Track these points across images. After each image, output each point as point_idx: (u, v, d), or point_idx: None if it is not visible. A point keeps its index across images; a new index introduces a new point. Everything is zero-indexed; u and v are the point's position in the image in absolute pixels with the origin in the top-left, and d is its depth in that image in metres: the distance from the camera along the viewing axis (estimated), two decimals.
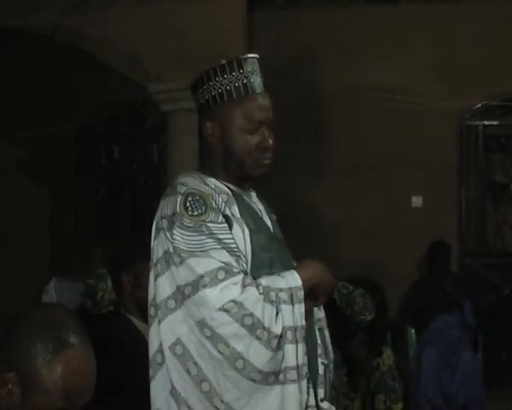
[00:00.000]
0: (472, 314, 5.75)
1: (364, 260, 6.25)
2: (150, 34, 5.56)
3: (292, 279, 2.04)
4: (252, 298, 1.97)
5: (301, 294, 2.03)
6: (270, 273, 2.09)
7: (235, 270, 2.00)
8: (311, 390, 2.10)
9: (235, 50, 5.79)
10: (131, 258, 2.80)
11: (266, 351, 1.96)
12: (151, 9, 5.62)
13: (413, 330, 5.77)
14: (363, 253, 6.30)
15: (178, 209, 2.04)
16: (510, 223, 6.73)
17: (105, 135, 7.66)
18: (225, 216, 2.08)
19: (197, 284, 1.97)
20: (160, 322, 2.04)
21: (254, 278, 2.06)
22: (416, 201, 6.51)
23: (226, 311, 1.94)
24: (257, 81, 2.15)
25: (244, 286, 1.98)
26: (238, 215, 2.10)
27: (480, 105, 6.47)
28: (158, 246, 2.07)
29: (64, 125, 7.05)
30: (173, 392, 2.03)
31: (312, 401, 2.10)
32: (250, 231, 2.11)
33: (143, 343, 2.72)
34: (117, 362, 2.54)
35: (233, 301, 1.95)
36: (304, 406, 2.05)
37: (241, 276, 2.00)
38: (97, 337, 1.69)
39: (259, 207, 2.25)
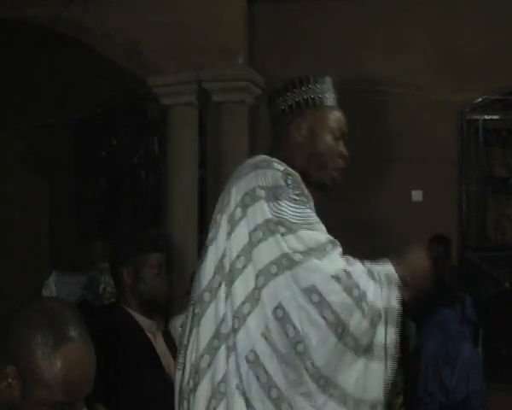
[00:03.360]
0: (472, 308, 5.75)
1: (364, 254, 6.24)
2: (150, 27, 5.56)
3: (387, 266, 2.19)
4: (358, 270, 2.12)
5: (396, 278, 2.16)
6: None
7: (337, 243, 2.15)
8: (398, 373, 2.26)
9: (235, 44, 5.80)
10: (131, 251, 2.79)
11: (366, 324, 2.07)
12: (151, 2, 5.62)
13: (413, 324, 5.77)
14: (363, 247, 6.28)
15: (282, 183, 2.14)
16: (511, 217, 6.72)
17: (105, 128, 7.65)
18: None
19: (309, 253, 2.07)
20: (262, 287, 2.08)
21: None
22: (417, 195, 6.50)
23: (338, 279, 2.06)
24: (335, 98, 2.43)
25: (348, 260, 2.13)
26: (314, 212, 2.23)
27: (480, 99, 6.46)
28: (256, 213, 2.12)
29: (64, 118, 7.05)
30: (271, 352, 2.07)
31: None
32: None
33: (143, 337, 2.73)
34: (116, 356, 2.54)
35: (344, 270, 2.08)
36: (386, 384, 2.14)
37: (341, 249, 2.15)
38: (97, 331, 1.69)
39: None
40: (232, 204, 2.15)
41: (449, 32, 6.43)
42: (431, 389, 5.55)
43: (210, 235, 2.20)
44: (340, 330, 2.05)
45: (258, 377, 2.06)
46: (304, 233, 2.10)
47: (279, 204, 2.11)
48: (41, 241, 7.52)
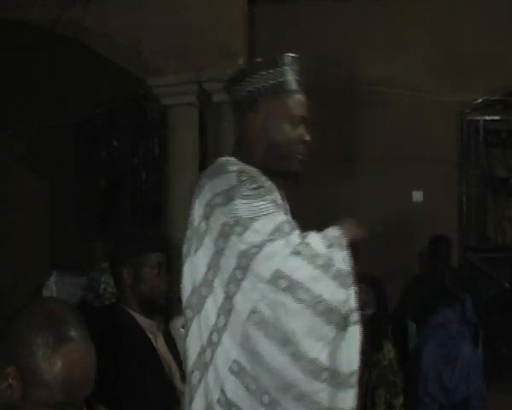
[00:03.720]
0: (472, 309, 5.75)
1: (365, 254, 6.24)
2: (150, 28, 5.56)
3: (332, 230, 2.14)
4: (314, 239, 2.06)
5: (344, 241, 2.11)
6: None
7: (295, 225, 2.09)
8: None
9: (235, 44, 5.79)
10: (131, 252, 2.79)
11: (343, 290, 2.03)
12: (151, 3, 5.61)
13: (413, 325, 5.77)
14: (364, 247, 6.29)
15: (235, 183, 2.09)
16: (511, 218, 6.72)
17: (105, 128, 7.65)
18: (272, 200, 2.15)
19: (264, 242, 2.02)
20: (234, 295, 2.04)
21: None
22: (417, 195, 6.50)
23: (297, 253, 2.01)
24: (295, 79, 2.25)
25: (303, 235, 2.07)
26: (280, 201, 2.18)
27: (480, 100, 6.45)
28: (216, 222, 2.08)
29: (64, 119, 7.05)
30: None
31: None
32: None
33: (144, 338, 2.73)
34: (117, 356, 2.54)
35: (301, 243, 2.03)
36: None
37: (298, 230, 2.09)
38: (97, 331, 1.69)
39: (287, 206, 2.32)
40: (196, 219, 2.13)
41: (449, 33, 6.43)
42: (431, 390, 5.55)
43: (184, 251, 2.18)
44: (322, 307, 1.98)
45: (246, 387, 2.01)
46: (259, 224, 2.04)
47: (233, 204, 2.06)
48: (41, 241, 7.52)
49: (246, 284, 2.02)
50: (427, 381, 5.56)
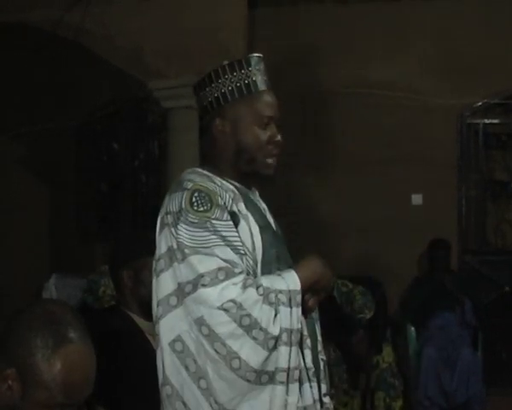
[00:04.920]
0: (472, 312, 5.75)
1: (364, 257, 6.25)
2: (151, 30, 5.56)
3: (291, 281, 2.04)
4: (251, 299, 1.96)
5: (299, 298, 2.03)
6: (279, 268, 2.11)
7: (237, 270, 2.00)
8: (311, 390, 2.10)
9: (236, 47, 5.79)
10: (132, 254, 2.79)
11: (262, 351, 1.96)
12: (152, 5, 5.61)
13: (413, 328, 5.77)
14: (363, 251, 6.30)
15: (184, 205, 2.04)
16: (510, 221, 6.72)
17: (106, 131, 7.65)
18: (232, 213, 2.08)
19: (197, 283, 1.96)
20: (160, 318, 2.04)
21: (264, 273, 2.07)
22: (416, 198, 6.50)
23: (225, 310, 1.94)
24: (263, 79, 2.19)
25: (245, 287, 1.97)
26: (245, 212, 2.11)
27: (480, 103, 6.46)
28: (161, 242, 2.07)
29: (65, 121, 7.05)
30: (168, 389, 2.05)
31: (310, 401, 2.09)
32: (259, 227, 2.13)
33: (143, 340, 2.73)
34: (117, 358, 2.54)
35: (232, 300, 1.95)
36: (295, 407, 2.04)
37: (242, 276, 1.99)
38: (97, 333, 1.69)
39: (263, 205, 2.28)
40: (157, 231, 2.11)
41: (449, 35, 6.44)
42: (431, 393, 5.55)
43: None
44: (237, 363, 1.94)
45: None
46: (195, 259, 1.98)
47: (178, 228, 2.02)
48: (41, 243, 7.52)
49: (179, 311, 2.00)
50: (426, 384, 5.55)
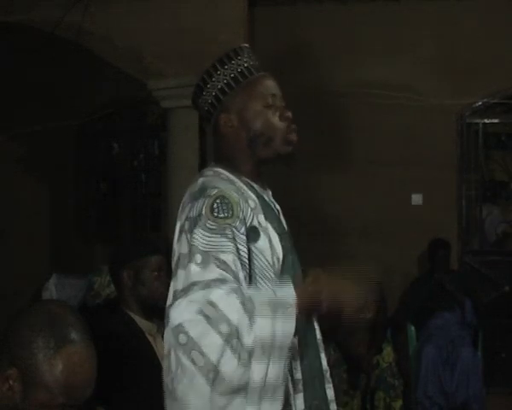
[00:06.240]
0: (472, 312, 5.75)
1: (364, 257, 6.25)
2: (151, 30, 5.56)
3: (288, 294, 1.93)
4: (234, 305, 1.86)
5: (292, 311, 1.91)
6: (294, 275, 2.06)
7: (235, 285, 1.91)
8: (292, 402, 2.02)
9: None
10: (132, 254, 2.80)
11: (236, 362, 1.84)
12: (152, 5, 5.61)
13: (413, 328, 5.77)
14: (363, 250, 6.30)
15: (204, 211, 1.97)
16: (510, 221, 6.73)
17: (105, 131, 7.66)
18: (252, 228, 2.02)
19: (189, 289, 1.90)
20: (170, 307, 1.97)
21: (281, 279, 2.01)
22: (416, 198, 6.51)
23: (206, 316, 1.85)
24: (255, 64, 2.18)
25: (231, 295, 1.88)
26: (265, 224, 2.06)
27: (480, 103, 6.46)
28: (178, 249, 2.01)
29: (64, 122, 7.06)
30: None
31: None
32: (278, 235, 2.08)
33: (144, 340, 2.73)
34: (117, 358, 2.55)
35: (212, 304, 1.86)
36: None
37: (234, 286, 1.90)
38: (98, 334, 1.69)
39: (277, 206, 2.24)
40: (176, 239, 2.04)
41: (449, 36, 6.44)
42: (430, 393, 5.55)
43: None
44: (212, 375, 1.83)
45: None
46: (192, 267, 1.91)
47: (194, 233, 1.94)
48: (41, 243, 7.52)
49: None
50: (426, 384, 5.56)
